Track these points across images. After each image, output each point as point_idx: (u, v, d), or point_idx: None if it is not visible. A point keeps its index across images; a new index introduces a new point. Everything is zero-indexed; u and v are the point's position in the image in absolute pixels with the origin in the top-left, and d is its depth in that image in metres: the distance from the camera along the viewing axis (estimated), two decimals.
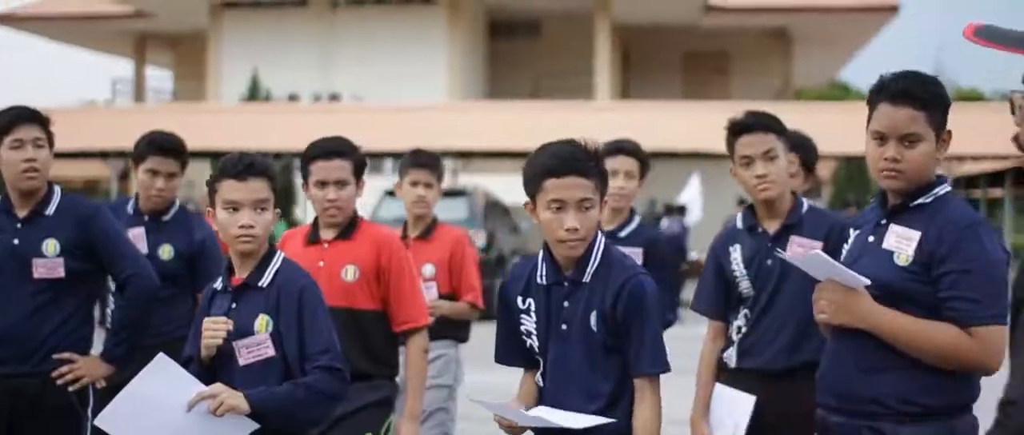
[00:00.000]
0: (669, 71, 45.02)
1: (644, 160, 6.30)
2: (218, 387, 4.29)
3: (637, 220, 6.28)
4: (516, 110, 32.23)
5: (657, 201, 31.82)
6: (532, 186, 4.15)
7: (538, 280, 4.23)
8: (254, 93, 34.06)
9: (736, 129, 5.21)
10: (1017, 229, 35.84)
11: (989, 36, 2.29)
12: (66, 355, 5.46)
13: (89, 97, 47.52)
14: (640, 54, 45.49)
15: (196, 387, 4.30)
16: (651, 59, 45.45)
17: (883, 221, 4.12)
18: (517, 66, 42.35)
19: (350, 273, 5.49)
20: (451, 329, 6.87)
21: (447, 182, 26.87)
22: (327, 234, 5.58)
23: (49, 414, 5.45)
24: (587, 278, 4.14)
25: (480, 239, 21.55)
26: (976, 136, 28.90)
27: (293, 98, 36.16)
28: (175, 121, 30.47)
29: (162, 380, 4.32)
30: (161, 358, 4.39)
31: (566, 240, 4.08)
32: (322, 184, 5.49)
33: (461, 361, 7.07)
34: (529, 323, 4.24)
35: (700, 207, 26.95)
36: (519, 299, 4.26)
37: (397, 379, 5.67)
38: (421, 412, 5.67)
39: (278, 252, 4.58)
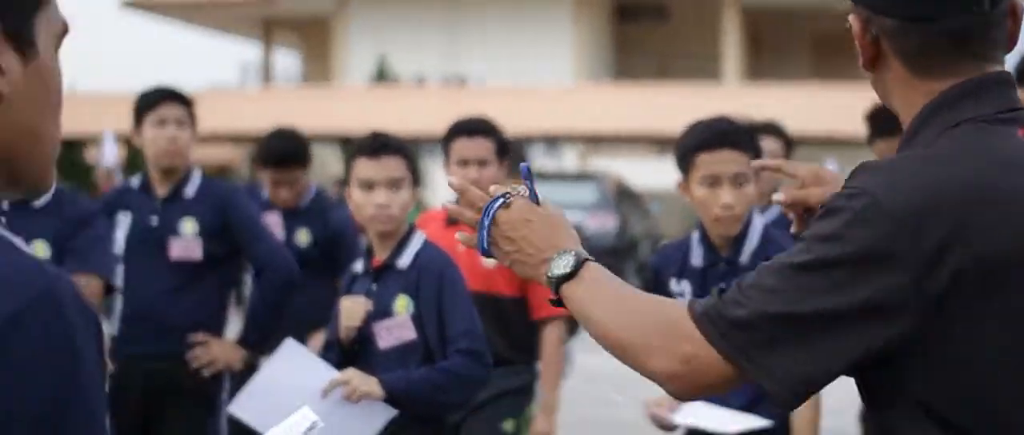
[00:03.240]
0: (799, 53, 44.38)
1: (789, 141, 6.21)
2: (350, 372, 4.12)
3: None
4: (644, 92, 31.90)
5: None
6: (684, 162, 3.97)
7: (693, 262, 4.06)
8: (381, 76, 34.14)
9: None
10: None
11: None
12: (201, 337, 5.40)
13: (217, 80, 48.05)
14: (770, 36, 44.92)
15: (328, 372, 4.16)
16: (781, 41, 44.84)
17: None
18: (644, 49, 42.01)
19: None
20: None
21: (576, 166, 26.62)
22: None
23: (182, 398, 5.39)
24: (745, 258, 3.95)
25: (611, 224, 21.31)
26: None
27: (421, 81, 36.20)
28: (302, 104, 30.92)
29: (292, 366, 4.22)
30: (289, 343, 4.30)
31: (721, 217, 3.91)
32: (464, 163, 5.35)
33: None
34: None
35: None
36: (672, 280, 4.10)
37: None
38: (558, 404, 5.48)
39: (418, 232, 4.42)
